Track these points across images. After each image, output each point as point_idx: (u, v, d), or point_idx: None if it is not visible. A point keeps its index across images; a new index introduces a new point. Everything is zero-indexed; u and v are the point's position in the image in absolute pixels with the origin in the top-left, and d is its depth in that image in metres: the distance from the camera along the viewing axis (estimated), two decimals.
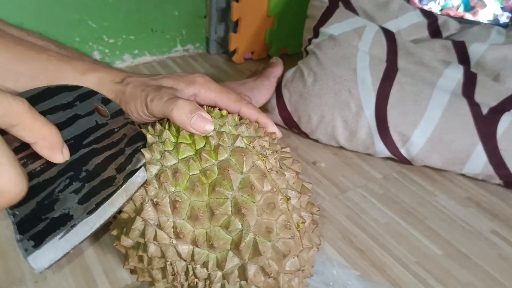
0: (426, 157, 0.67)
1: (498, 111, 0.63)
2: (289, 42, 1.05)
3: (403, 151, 0.68)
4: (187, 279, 0.39)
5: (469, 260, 0.55)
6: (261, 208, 0.37)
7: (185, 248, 0.37)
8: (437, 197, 0.65)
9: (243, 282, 0.38)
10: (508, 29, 0.74)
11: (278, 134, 0.46)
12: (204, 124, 0.39)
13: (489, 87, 0.66)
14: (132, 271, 0.46)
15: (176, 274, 0.39)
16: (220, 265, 0.38)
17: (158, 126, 0.42)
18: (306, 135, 0.74)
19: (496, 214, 0.63)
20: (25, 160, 0.30)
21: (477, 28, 0.74)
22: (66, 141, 0.32)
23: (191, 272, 0.39)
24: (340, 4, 0.77)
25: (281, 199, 0.39)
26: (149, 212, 0.37)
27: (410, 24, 0.75)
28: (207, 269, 0.38)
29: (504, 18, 0.77)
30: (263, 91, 0.69)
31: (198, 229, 0.37)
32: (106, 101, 0.39)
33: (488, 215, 0.63)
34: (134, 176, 0.37)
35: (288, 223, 0.38)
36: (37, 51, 0.43)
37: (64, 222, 0.32)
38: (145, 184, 0.38)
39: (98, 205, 0.34)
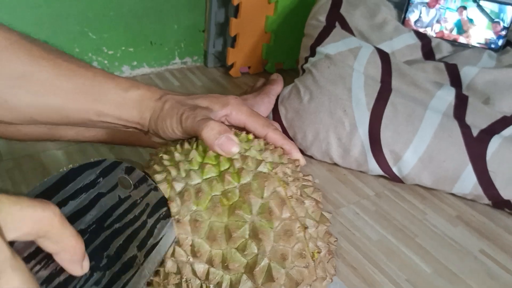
0: (417, 176, 0.68)
1: (488, 133, 0.65)
2: (285, 58, 1.07)
3: (395, 169, 0.69)
4: None
5: (458, 279, 0.57)
6: (278, 234, 0.38)
7: (200, 267, 0.38)
8: (428, 215, 0.67)
9: None
10: (499, 53, 0.77)
11: (302, 161, 0.47)
12: (231, 146, 0.40)
13: (480, 110, 0.68)
14: (149, 284, 0.46)
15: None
16: (233, 287, 0.38)
17: (186, 145, 0.43)
18: (301, 151, 0.75)
19: (485, 233, 0.65)
20: (45, 260, 0.29)
21: (469, 51, 0.76)
22: (88, 227, 0.32)
23: None
24: (337, 24, 0.79)
25: (298, 227, 0.39)
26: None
27: (404, 45, 0.77)
28: None
29: (495, 42, 0.80)
30: (263, 108, 0.70)
31: (215, 249, 0.38)
32: (129, 170, 0.38)
33: (476, 234, 0.64)
34: (154, 252, 0.37)
35: (304, 252, 0.39)
36: (84, 68, 0.44)
37: None
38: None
39: None
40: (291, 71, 1.05)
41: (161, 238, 0.37)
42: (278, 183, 0.40)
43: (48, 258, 0.28)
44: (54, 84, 0.42)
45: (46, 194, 0.30)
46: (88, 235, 0.32)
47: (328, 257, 0.43)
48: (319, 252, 0.41)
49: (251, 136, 0.44)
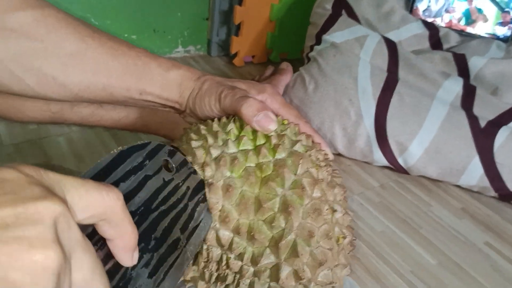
0: (423, 167, 0.67)
1: (495, 124, 0.64)
2: (289, 48, 1.06)
3: (400, 160, 0.68)
4: (218, 269, 0.40)
5: (462, 271, 0.56)
6: (307, 212, 0.38)
7: (226, 235, 0.38)
8: (432, 207, 0.66)
9: (273, 284, 0.38)
10: (508, 44, 0.75)
11: (330, 156, 0.48)
12: (269, 122, 0.41)
13: (488, 101, 0.66)
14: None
15: (210, 261, 0.39)
16: (255, 260, 0.38)
17: (224, 119, 0.44)
18: None
19: (490, 226, 0.64)
20: (97, 245, 0.29)
21: (477, 41, 0.75)
22: (137, 209, 0.32)
23: (224, 262, 0.39)
24: (343, 12, 0.77)
25: (327, 209, 0.39)
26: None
27: (412, 35, 0.76)
28: (241, 261, 0.38)
29: (504, 31, 0.78)
30: None
31: (242, 218, 0.38)
32: (172, 153, 0.38)
33: (482, 226, 0.64)
34: (195, 235, 0.37)
35: (330, 234, 0.39)
36: (128, 47, 0.45)
37: None
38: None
39: (165, 274, 0.33)
40: (296, 61, 1.04)
41: (200, 221, 0.38)
42: (311, 164, 0.40)
43: (100, 243, 0.28)
44: (101, 63, 0.43)
45: (99, 175, 0.30)
46: (137, 217, 0.32)
47: (350, 248, 0.42)
48: (344, 238, 0.40)
49: (286, 121, 0.45)
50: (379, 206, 0.65)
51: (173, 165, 0.37)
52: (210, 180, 0.38)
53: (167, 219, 0.35)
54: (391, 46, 0.72)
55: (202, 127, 0.43)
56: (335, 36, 0.74)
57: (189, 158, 0.40)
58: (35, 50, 0.41)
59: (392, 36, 0.75)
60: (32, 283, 0.18)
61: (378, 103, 0.68)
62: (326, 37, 0.75)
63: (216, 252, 0.39)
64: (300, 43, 0.95)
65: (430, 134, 0.65)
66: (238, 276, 0.39)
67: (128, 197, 0.31)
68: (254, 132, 0.42)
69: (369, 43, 0.72)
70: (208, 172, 0.39)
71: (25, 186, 0.20)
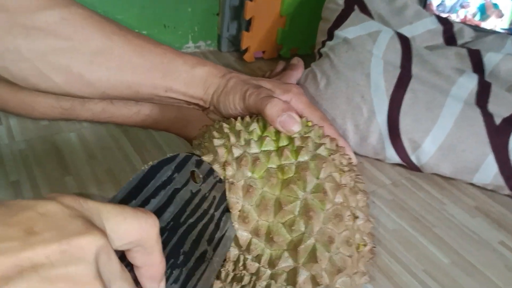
0: (436, 165, 0.67)
1: (511, 121, 0.63)
2: (300, 43, 1.05)
3: (413, 158, 0.68)
4: (234, 269, 0.39)
5: (476, 270, 0.55)
6: (328, 217, 0.37)
7: (244, 235, 0.38)
8: (446, 206, 0.65)
9: (289, 287, 0.38)
10: None
11: (354, 160, 0.47)
12: (292, 124, 0.41)
13: (503, 98, 0.65)
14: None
15: (226, 260, 0.39)
16: (272, 263, 0.37)
17: (247, 118, 0.43)
18: None
19: (504, 225, 0.63)
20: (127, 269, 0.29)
21: (493, 37, 0.74)
22: (166, 225, 0.32)
23: (241, 263, 0.38)
24: (356, 7, 0.76)
25: (349, 215, 0.38)
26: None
27: (425, 30, 0.75)
28: (259, 262, 0.38)
29: None
30: None
31: (262, 219, 0.37)
32: (199, 162, 0.38)
33: (496, 225, 0.63)
34: (221, 245, 0.37)
35: (351, 240, 0.38)
36: (154, 45, 0.45)
37: None
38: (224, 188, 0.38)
39: None
40: (307, 57, 1.03)
41: (226, 230, 0.37)
42: (334, 168, 0.40)
43: (129, 268, 0.28)
44: (127, 60, 0.44)
45: (131, 194, 0.30)
46: (167, 233, 0.32)
47: (369, 256, 0.42)
48: (364, 245, 0.40)
49: (310, 123, 0.44)
50: (391, 204, 0.65)
51: (200, 176, 0.37)
52: (231, 180, 0.38)
53: (195, 231, 0.34)
54: (405, 42, 0.71)
55: (225, 125, 0.43)
56: (347, 31, 0.73)
57: (210, 157, 0.39)
58: (62, 49, 0.41)
59: (405, 31, 0.74)
60: None
61: (391, 99, 0.67)
62: (338, 32, 0.74)
63: (233, 252, 0.39)
64: (311, 39, 0.94)
65: (444, 132, 0.65)
66: (254, 277, 0.39)
67: (158, 213, 0.31)
68: (277, 133, 0.41)
69: (382, 39, 0.71)
70: (229, 171, 0.38)
71: (68, 220, 0.21)
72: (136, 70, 0.44)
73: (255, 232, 0.37)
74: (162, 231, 0.31)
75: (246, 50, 1.01)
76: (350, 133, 0.69)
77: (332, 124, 0.48)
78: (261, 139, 0.40)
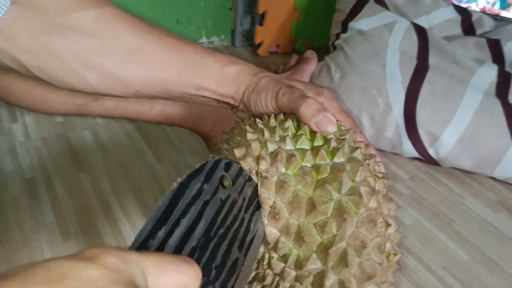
0: (455, 158, 0.65)
1: None
2: (315, 36, 1.04)
3: (431, 151, 0.66)
4: (257, 267, 0.38)
5: (498, 267, 0.54)
6: (361, 221, 0.36)
7: (273, 232, 0.36)
8: (466, 200, 0.64)
9: None
10: None
11: (383, 170, 0.46)
12: (328, 124, 0.40)
13: None
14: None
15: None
16: (299, 264, 0.36)
17: (281, 116, 0.43)
18: None
19: None
20: None
21: None
22: (198, 242, 0.30)
23: (266, 261, 0.38)
24: None
25: (381, 222, 0.37)
26: None
27: (443, 20, 0.73)
28: (285, 263, 0.37)
29: None
30: None
31: (293, 218, 0.36)
32: (228, 165, 0.37)
33: None
34: (252, 248, 0.36)
35: (382, 247, 0.37)
36: (186, 43, 0.46)
37: None
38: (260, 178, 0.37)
39: None
40: (322, 50, 1.02)
41: (257, 230, 0.36)
42: (369, 173, 0.39)
43: None
44: (160, 59, 0.44)
45: (160, 220, 0.28)
46: (199, 251, 0.30)
47: (397, 267, 0.41)
48: (395, 255, 0.39)
49: (343, 127, 0.43)
50: (409, 199, 0.63)
51: (230, 180, 0.36)
52: (264, 174, 0.37)
53: (226, 241, 0.33)
54: (421, 33, 0.69)
55: (258, 121, 0.42)
56: (362, 23, 0.71)
57: (242, 150, 0.39)
58: (95, 48, 0.41)
59: (422, 22, 0.72)
60: None
61: (407, 91, 0.65)
62: (352, 24, 0.72)
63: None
64: (325, 32, 0.93)
65: (463, 123, 0.63)
66: (278, 278, 0.38)
67: (189, 233, 0.30)
68: (312, 133, 0.40)
69: (397, 30, 0.69)
70: (263, 165, 0.37)
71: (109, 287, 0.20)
72: (168, 68, 0.44)
73: (285, 230, 0.36)
74: (194, 250, 0.30)
75: (260, 44, 1.00)
76: (366, 127, 0.68)
77: (362, 132, 0.48)
78: (296, 137, 0.39)
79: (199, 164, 0.34)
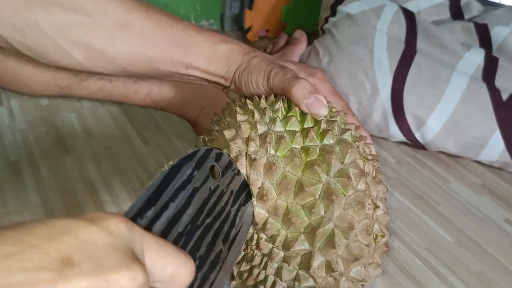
0: (442, 142, 0.65)
1: None
2: (305, 21, 1.03)
3: (418, 135, 0.66)
4: (246, 248, 0.39)
5: (481, 249, 0.54)
6: (349, 203, 0.36)
7: (261, 213, 0.37)
8: (451, 184, 0.64)
9: (301, 272, 0.37)
10: None
11: (373, 152, 0.46)
12: (320, 107, 0.40)
13: (511, 73, 0.63)
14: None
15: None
16: (287, 245, 0.37)
17: (272, 97, 0.42)
18: None
19: (511, 202, 0.61)
20: None
21: (501, 10, 0.71)
22: (184, 229, 0.30)
23: (254, 242, 0.38)
24: None
25: (369, 204, 0.38)
26: (242, 164, 0.37)
27: (431, 4, 0.73)
28: (273, 243, 0.37)
29: None
30: None
31: (281, 199, 0.37)
32: (219, 156, 0.37)
33: (502, 203, 0.61)
34: (235, 243, 0.36)
35: (370, 229, 0.37)
36: (175, 21, 0.45)
37: None
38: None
39: None
40: (312, 35, 1.01)
41: (241, 226, 0.36)
42: (359, 155, 0.39)
43: None
44: (148, 36, 0.43)
45: (151, 200, 0.28)
46: (184, 238, 0.30)
47: (384, 249, 0.41)
48: (382, 236, 0.39)
49: (334, 109, 0.43)
50: (395, 183, 0.63)
51: (219, 170, 0.36)
52: (253, 156, 0.37)
53: (211, 232, 0.33)
54: (409, 17, 0.69)
55: (249, 102, 0.42)
56: (350, 7, 0.71)
57: (232, 131, 0.39)
58: (82, 24, 0.41)
59: (410, 6, 0.72)
60: None
61: (395, 75, 0.65)
62: (341, 8, 0.72)
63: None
64: (315, 16, 0.92)
65: (449, 108, 0.63)
66: (266, 258, 0.38)
67: (177, 217, 0.30)
68: (303, 114, 0.40)
69: (386, 14, 0.69)
70: (252, 147, 0.37)
71: (109, 251, 0.20)
72: (157, 45, 0.43)
73: (273, 212, 0.36)
74: (180, 236, 0.29)
75: (249, 29, 0.99)
76: (354, 111, 0.68)
77: (354, 114, 0.48)
78: (286, 118, 0.39)
79: (191, 150, 0.34)
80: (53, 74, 0.58)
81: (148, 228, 0.27)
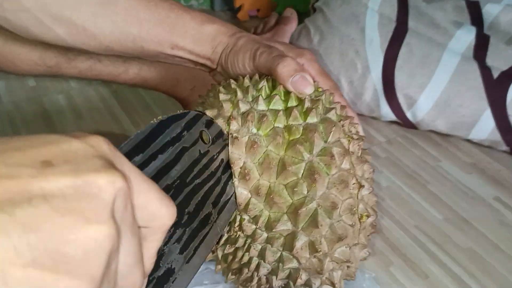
0: (432, 121, 0.65)
1: (509, 75, 0.61)
2: (296, 0, 1.02)
3: (408, 114, 0.66)
4: (229, 230, 0.38)
5: (470, 226, 0.55)
6: (333, 182, 0.36)
7: (243, 194, 0.36)
8: (441, 163, 0.64)
9: (285, 253, 0.37)
10: None
11: (361, 133, 0.46)
12: (305, 85, 0.39)
13: (502, 51, 0.63)
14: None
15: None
16: (270, 225, 0.36)
17: (256, 76, 0.42)
18: None
19: (500, 181, 0.62)
20: None
21: None
22: (173, 183, 0.31)
23: (237, 223, 0.38)
24: None
25: (354, 183, 0.37)
26: None
27: None
28: (256, 224, 0.37)
29: None
30: None
31: (263, 179, 0.36)
32: (209, 123, 0.37)
33: (492, 182, 0.62)
34: (225, 210, 0.36)
35: (354, 209, 0.37)
36: None
37: (167, 278, 0.29)
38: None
39: (196, 250, 0.32)
40: (303, 15, 1.00)
41: (231, 195, 0.36)
42: (343, 134, 0.38)
43: None
44: (132, 14, 0.42)
45: (138, 147, 0.28)
46: (173, 191, 0.30)
47: (371, 230, 0.41)
48: (367, 217, 0.39)
49: (320, 89, 0.42)
50: (385, 162, 0.63)
51: (209, 137, 0.36)
52: (234, 135, 0.36)
53: (201, 193, 0.33)
54: None
55: (232, 81, 0.41)
56: None
57: (214, 111, 0.38)
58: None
59: None
60: (83, 259, 0.17)
61: (386, 54, 0.65)
62: None
63: None
64: None
65: (440, 86, 0.63)
66: (250, 240, 0.38)
67: (165, 170, 0.30)
68: (287, 93, 0.39)
69: None
70: (234, 126, 0.37)
71: (88, 158, 0.19)
72: (141, 24, 0.43)
73: (255, 191, 0.36)
74: (168, 188, 0.30)
75: (239, 8, 0.98)
76: (344, 90, 0.67)
77: (342, 95, 0.47)
78: (269, 97, 0.39)
79: (181, 111, 0.34)
80: (40, 53, 0.57)
81: None
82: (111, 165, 0.19)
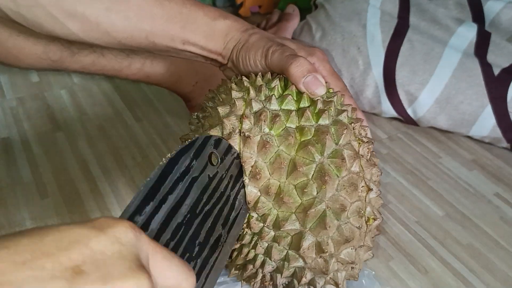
0: (433, 118, 0.65)
1: (510, 72, 0.61)
2: None
3: (409, 111, 0.66)
4: None
5: (470, 222, 0.55)
6: (342, 184, 0.36)
7: (253, 192, 0.37)
8: (442, 159, 0.65)
9: (291, 252, 0.37)
10: None
11: (369, 135, 0.45)
12: (317, 86, 0.39)
13: (503, 48, 0.63)
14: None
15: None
16: (278, 224, 0.37)
17: (268, 75, 0.42)
18: None
19: (501, 177, 0.62)
20: None
21: None
22: (183, 219, 0.30)
23: (245, 220, 0.38)
24: None
25: (362, 186, 0.38)
26: (235, 141, 0.37)
27: None
28: (264, 222, 0.37)
29: None
30: None
31: (274, 178, 0.36)
32: (217, 142, 0.36)
33: (492, 178, 0.62)
34: (235, 226, 0.36)
35: (362, 212, 0.37)
36: None
37: None
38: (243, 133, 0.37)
39: (207, 277, 0.32)
40: (306, 11, 1.00)
41: (241, 208, 0.36)
42: (354, 137, 0.39)
43: None
44: (145, 10, 0.42)
45: (148, 196, 0.28)
46: (183, 228, 0.30)
47: (376, 232, 0.41)
48: (374, 219, 0.39)
49: (331, 90, 0.42)
50: (386, 158, 0.64)
51: (218, 157, 0.35)
52: (247, 133, 0.37)
53: (211, 218, 0.33)
54: None
55: (245, 79, 0.41)
56: None
57: (226, 108, 0.38)
58: None
59: None
60: None
61: (387, 51, 0.65)
62: None
63: None
64: None
65: (441, 83, 0.63)
66: (256, 237, 0.38)
67: (175, 209, 0.30)
68: (299, 93, 0.40)
69: None
70: (246, 124, 0.37)
71: (117, 260, 0.20)
72: (154, 19, 0.43)
73: (265, 191, 0.36)
74: (179, 226, 0.30)
75: (241, 4, 0.98)
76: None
77: (352, 97, 0.47)
78: (282, 97, 0.39)
79: (190, 140, 0.33)
80: (44, 47, 0.58)
81: (147, 223, 0.27)
82: (137, 265, 0.21)
